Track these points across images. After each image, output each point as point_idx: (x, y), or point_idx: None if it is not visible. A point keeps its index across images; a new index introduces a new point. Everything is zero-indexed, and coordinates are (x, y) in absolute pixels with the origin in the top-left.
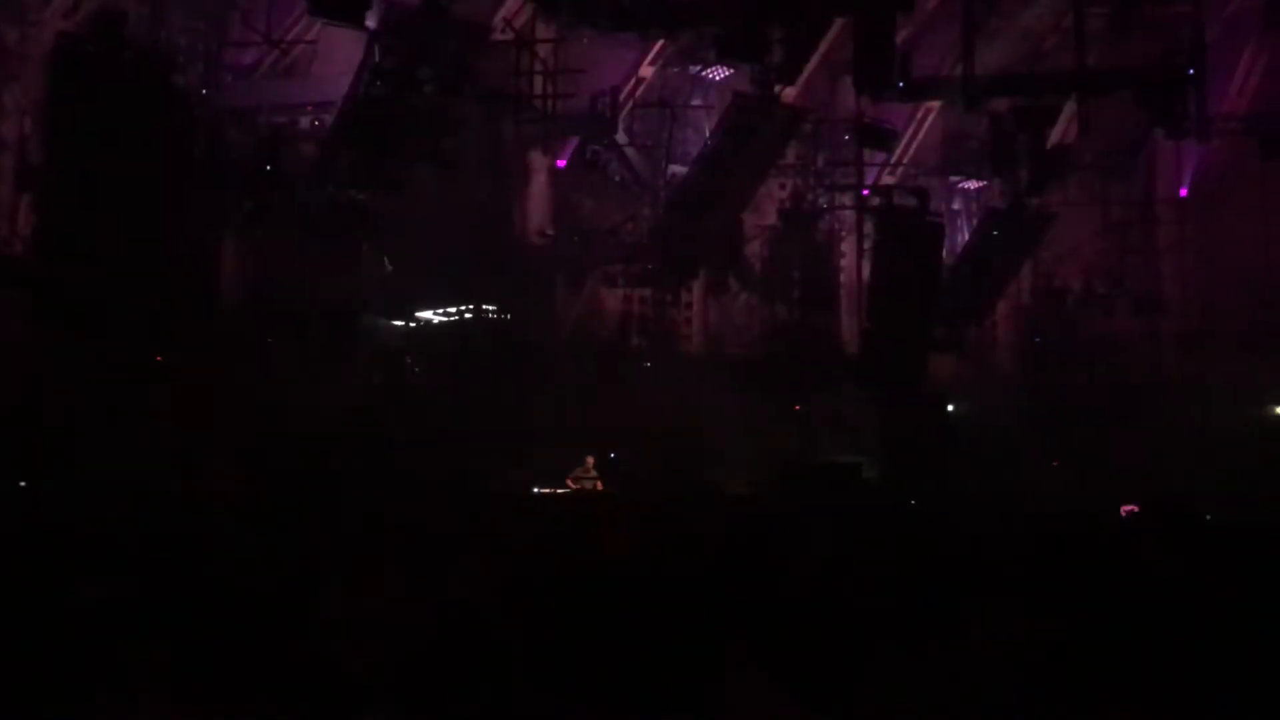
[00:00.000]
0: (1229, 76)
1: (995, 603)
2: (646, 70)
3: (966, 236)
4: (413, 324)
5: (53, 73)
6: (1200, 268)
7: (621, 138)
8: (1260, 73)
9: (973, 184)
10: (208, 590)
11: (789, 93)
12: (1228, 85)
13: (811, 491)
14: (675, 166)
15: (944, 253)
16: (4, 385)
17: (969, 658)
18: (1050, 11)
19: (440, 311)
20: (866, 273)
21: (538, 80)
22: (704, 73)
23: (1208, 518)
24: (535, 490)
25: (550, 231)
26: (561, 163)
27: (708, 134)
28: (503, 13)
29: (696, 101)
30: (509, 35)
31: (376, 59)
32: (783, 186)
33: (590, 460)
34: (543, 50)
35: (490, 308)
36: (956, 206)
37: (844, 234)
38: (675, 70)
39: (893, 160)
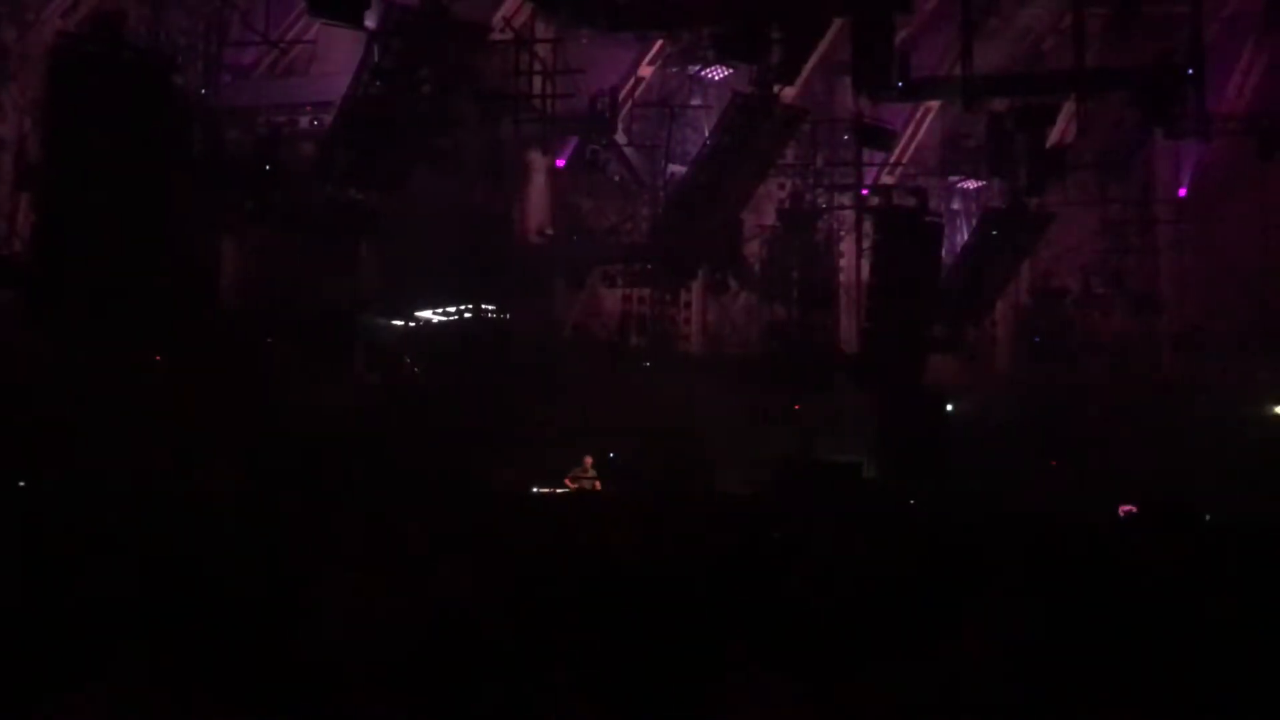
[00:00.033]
0: (1227, 76)
1: (994, 602)
2: (646, 70)
3: (965, 236)
4: (412, 323)
5: (52, 72)
6: (1199, 267)
7: (621, 137)
8: (1259, 73)
9: (971, 184)
10: (207, 590)
11: (788, 93)
12: (1226, 85)
13: (811, 491)
14: (674, 166)
15: (943, 252)
16: (3, 385)
17: (968, 657)
18: (1049, 11)
19: (439, 311)
20: (865, 272)
21: (537, 80)
22: (703, 72)
23: (1207, 517)
24: (535, 490)
25: (549, 231)
26: (561, 162)
27: (707, 134)
28: (502, 12)
29: (695, 101)
30: (508, 35)
31: (376, 59)
32: (782, 186)
33: (588, 460)
34: (542, 50)
35: (489, 307)
36: (955, 206)
37: (843, 234)
38: (674, 70)
39: (892, 160)
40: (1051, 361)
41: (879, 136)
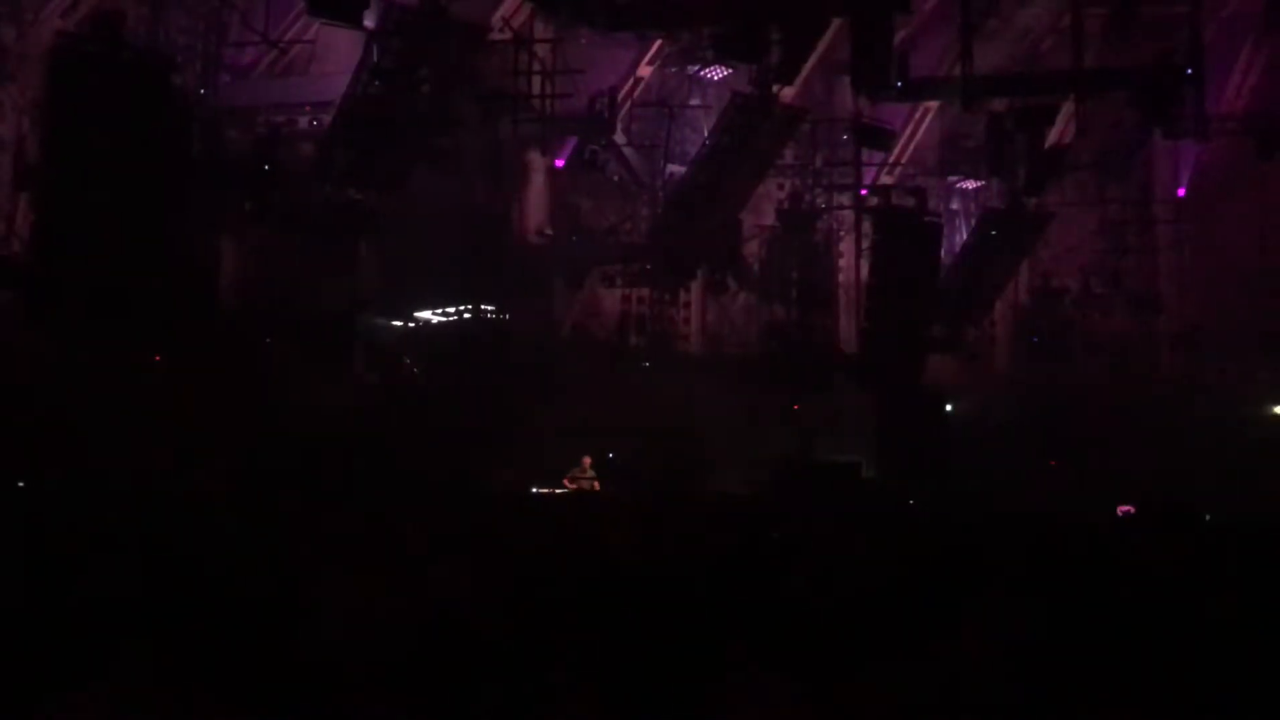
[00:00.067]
0: (1226, 77)
1: (994, 602)
2: (645, 70)
3: (964, 236)
4: (411, 324)
5: (51, 72)
6: (1198, 267)
7: (620, 137)
8: (1258, 73)
9: (971, 184)
10: (208, 590)
11: (787, 93)
12: (1225, 85)
13: (810, 491)
14: (673, 166)
15: (942, 252)
16: (3, 385)
17: (968, 657)
18: (1048, 12)
19: (439, 311)
20: (865, 272)
21: (536, 80)
22: (702, 73)
23: (1207, 517)
24: (534, 490)
25: (549, 231)
26: (560, 162)
27: (706, 134)
28: (501, 12)
29: (695, 101)
30: (507, 35)
31: (375, 59)
32: (781, 186)
33: (587, 460)
34: (541, 50)
35: (489, 307)
36: (954, 206)
37: (842, 234)
38: (673, 70)
39: (891, 160)
40: (1051, 361)
41: (878, 136)
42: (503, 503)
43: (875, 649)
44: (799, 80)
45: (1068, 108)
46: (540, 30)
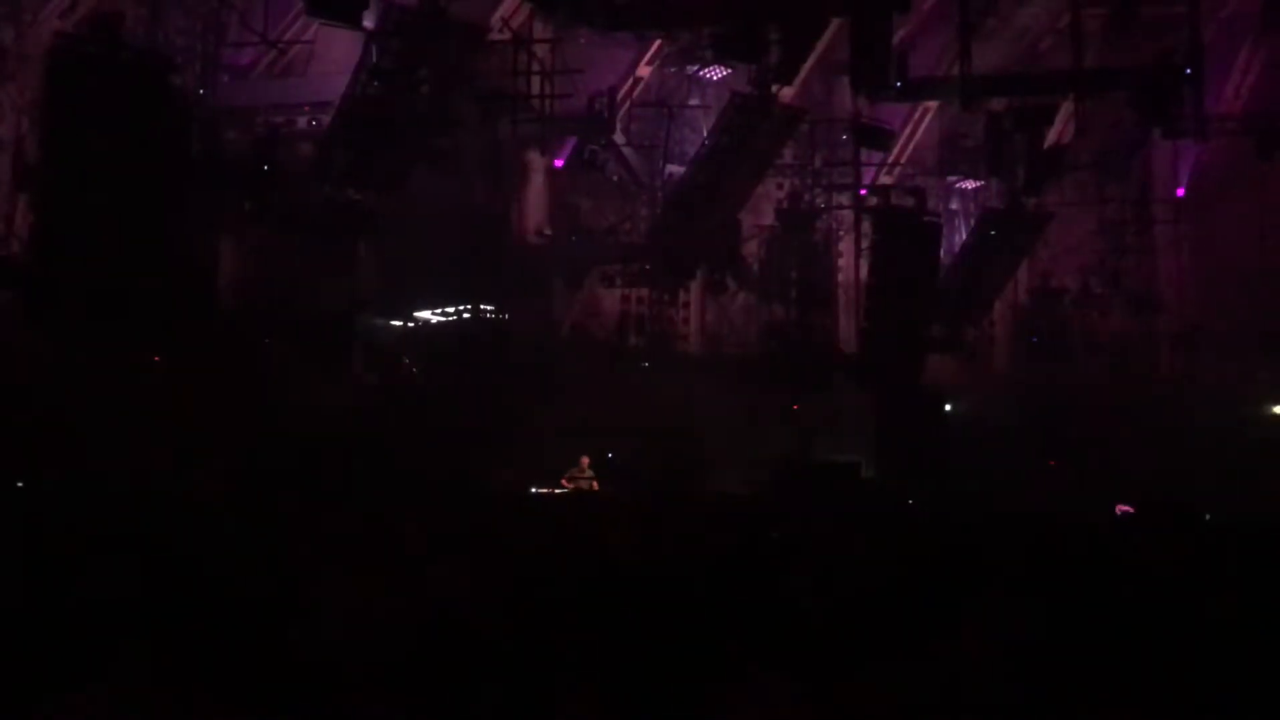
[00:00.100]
0: (1226, 77)
1: (993, 602)
2: (644, 70)
3: (964, 236)
4: (410, 324)
5: (50, 73)
6: (1197, 267)
7: (619, 137)
8: (1257, 73)
9: (970, 184)
10: (207, 590)
11: (786, 93)
12: (1224, 85)
13: (809, 491)
14: (673, 166)
15: (941, 252)
16: (2, 385)
17: (967, 657)
18: (1047, 11)
19: (438, 311)
20: (864, 272)
21: (535, 80)
22: (701, 73)
23: (1207, 517)
24: (533, 490)
25: (548, 231)
26: (559, 163)
27: (705, 134)
28: (500, 13)
29: (694, 101)
30: (506, 35)
31: (374, 59)
32: (780, 186)
33: (585, 460)
34: (540, 50)
35: (488, 307)
36: (954, 206)
37: (841, 234)
38: (673, 70)
39: (890, 160)
40: (1050, 361)
41: (877, 136)
42: (502, 503)
43: (875, 649)
44: (798, 80)
45: (1067, 107)
46: (539, 30)
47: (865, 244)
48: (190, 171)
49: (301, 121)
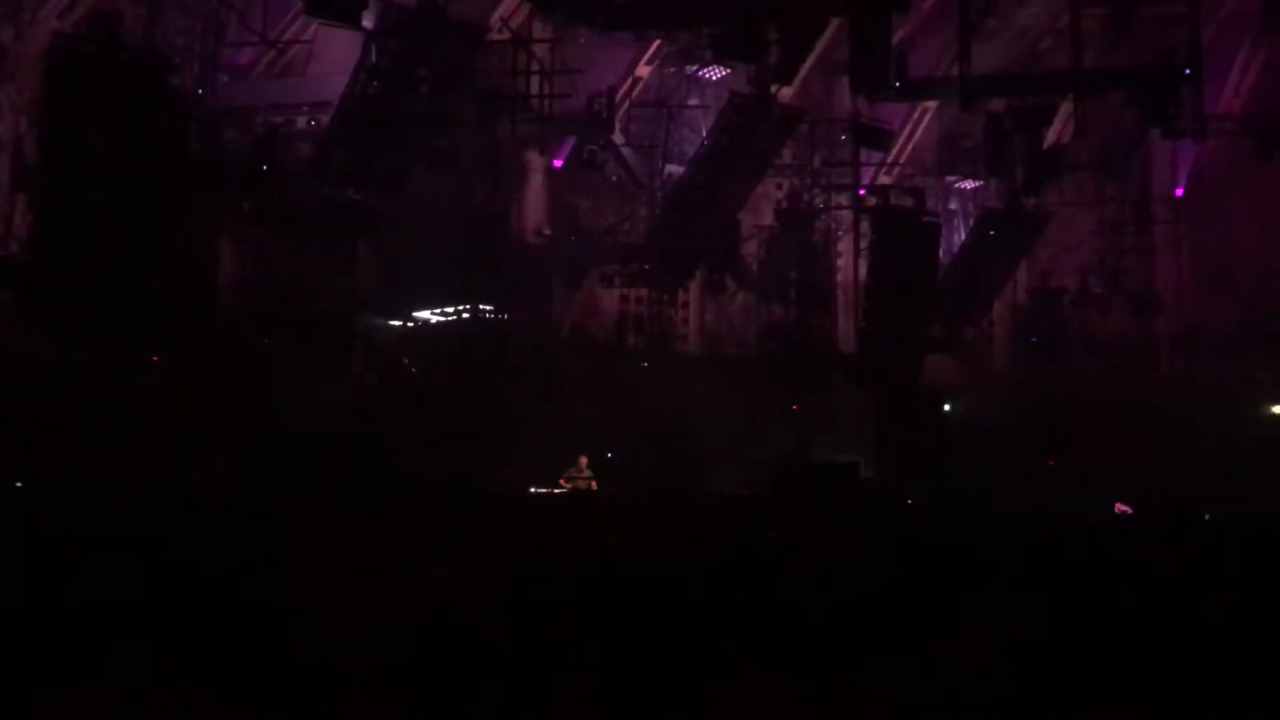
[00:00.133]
0: (1225, 77)
1: (992, 602)
2: (643, 70)
3: (963, 236)
4: (410, 324)
5: (48, 72)
6: (1196, 267)
7: (618, 138)
8: (1256, 72)
9: (969, 184)
10: (206, 590)
11: (785, 93)
12: (1223, 85)
13: (808, 491)
14: (672, 166)
15: (940, 252)
16: (1, 386)
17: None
18: (1046, 11)
19: (437, 311)
20: (863, 272)
21: (534, 80)
22: (700, 73)
23: (1206, 517)
24: (532, 490)
25: (547, 231)
26: (558, 163)
27: (704, 134)
28: (499, 13)
29: (693, 101)
30: (505, 35)
31: (373, 59)
32: (779, 186)
33: (583, 460)
34: (539, 50)
35: (487, 307)
36: (953, 206)
37: (840, 234)
38: (672, 70)
39: (889, 160)
40: (1049, 361)
41: (876, 136)
42: (501, 503)
43: (874, 649)
44: (797, 80)
45: (1066, 107)
46: (538, 30)
47: (864, 244)
48: (189, 171)
49: (301, 121)
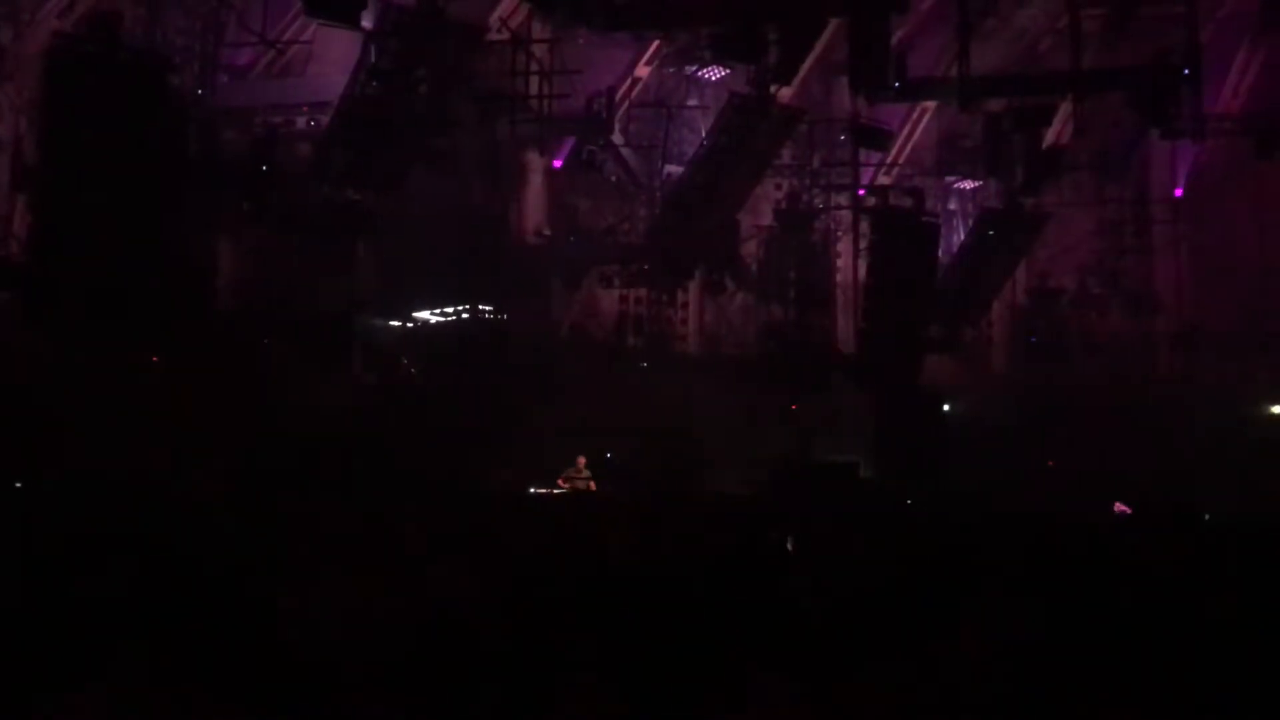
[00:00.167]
0: (1224, 77)
1: (992, 602)
2: (642, 70)
3: (962, 236)
4: (409, 324)
5: (48, 73)
6: (1195, 267)
7: (617, 138)
8: (1255, 72)
9: (968, 184)
10: (206, 590)
11: (785, 93)
12: (1222, 85)
13: (808, 491)
14: (671, 166)
15: (939, 253)
16: (1, 386)
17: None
18: (1045, 12)
19: (437, 311)
20: (862, 273)
21: (533, 80)
22: (700, 73)
23: (1206, 517)
24: (531, 490)
25: (546, 231)
26: (557, 163)
27: (704, 134)
28: (498, 13)
29: (692, 102)
30: (505, 35)
31: (372, 59)
32: (778, 187)
33: (581, 460)
34: (538, 50)
35: (486, 308)
36: (952, 206)
37: (840, 234)
38: (671, 70)
39: (888, 160)
40: (1048, 362)
41: (876, 137)
42: (501, 503)
43: (874, 649)
44: (797, 80)
45: (1065, 108)
46: (538, 30)
47: (863, 244)
48: (188, 172)
49: (300, 122)
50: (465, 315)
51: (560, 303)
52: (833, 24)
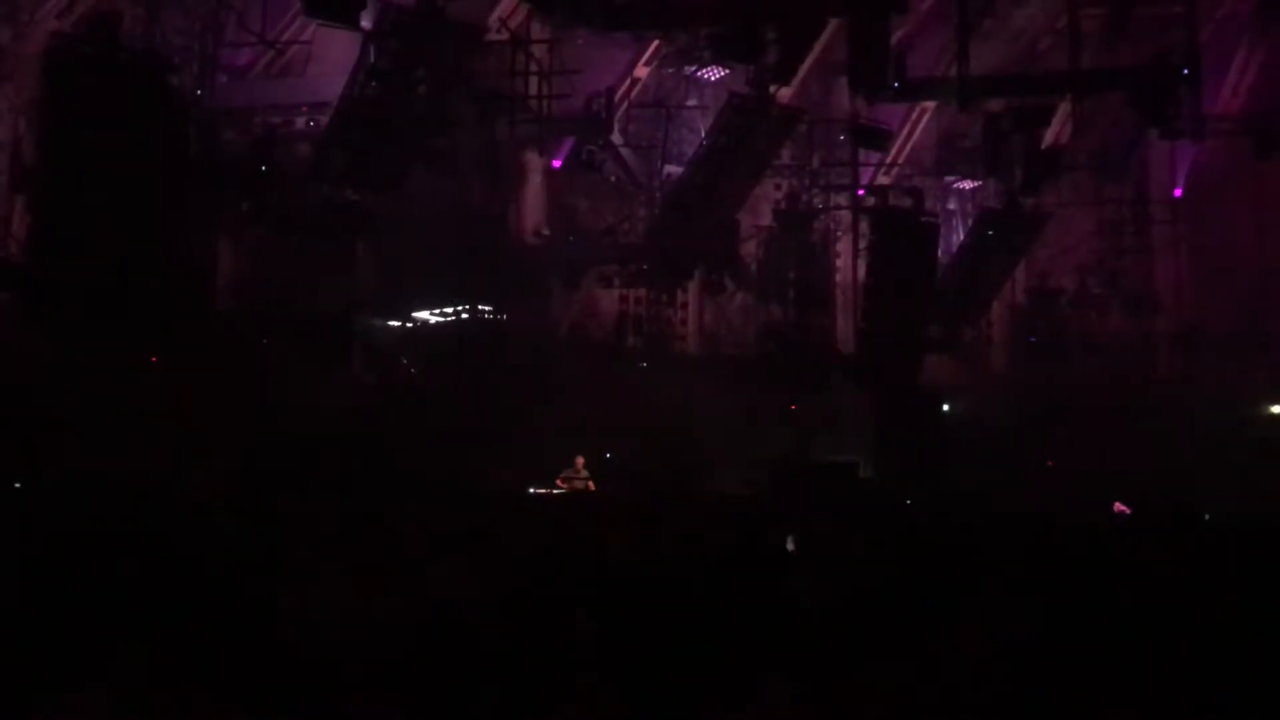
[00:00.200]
0: (1223, 76)
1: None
2: (642, 70)
3: (961, 236)
4: (409, 324)
5: (47, 73)
6: (1194, 267)
7: (617, 138)
8: (1254, 73)
9: (967, 184)
10: (206, 590)
11: (784, 93)
12: (1221, 85)
13: (808, 491)
14: (670, 167)
15: (939, 253)
16: (1, 386)
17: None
18: (1044, 12)
19: (436, 311)
20: (862, 273)
21: (533, 81)
22: (699, 73)
23: (1206, 517)
24: (531, 490)
25: (546, 232)
26: (557, 163)
27: (703, 134)
28: (498, 13)
29: (692, 102)
30: (504, 35)
31: (371, 59)
32: (778, 187)
33: (580, 460)
34: (538, 50)
35: (486, 308)
36: (951, 206)
37: (839, 234)
38: (670, 70)
39: (888, 160)
40: (1048, 362)
41: (875, 137)
42: (501, 503)
43: (873, 649)
44: (796, 80)
45: (1064, 108)
46: (537, 31)
47: (863, 244)
48: (188, 172)
49: (299, 122)
50: (465, 315)
51: (560, 303)
52: (832, 24)
